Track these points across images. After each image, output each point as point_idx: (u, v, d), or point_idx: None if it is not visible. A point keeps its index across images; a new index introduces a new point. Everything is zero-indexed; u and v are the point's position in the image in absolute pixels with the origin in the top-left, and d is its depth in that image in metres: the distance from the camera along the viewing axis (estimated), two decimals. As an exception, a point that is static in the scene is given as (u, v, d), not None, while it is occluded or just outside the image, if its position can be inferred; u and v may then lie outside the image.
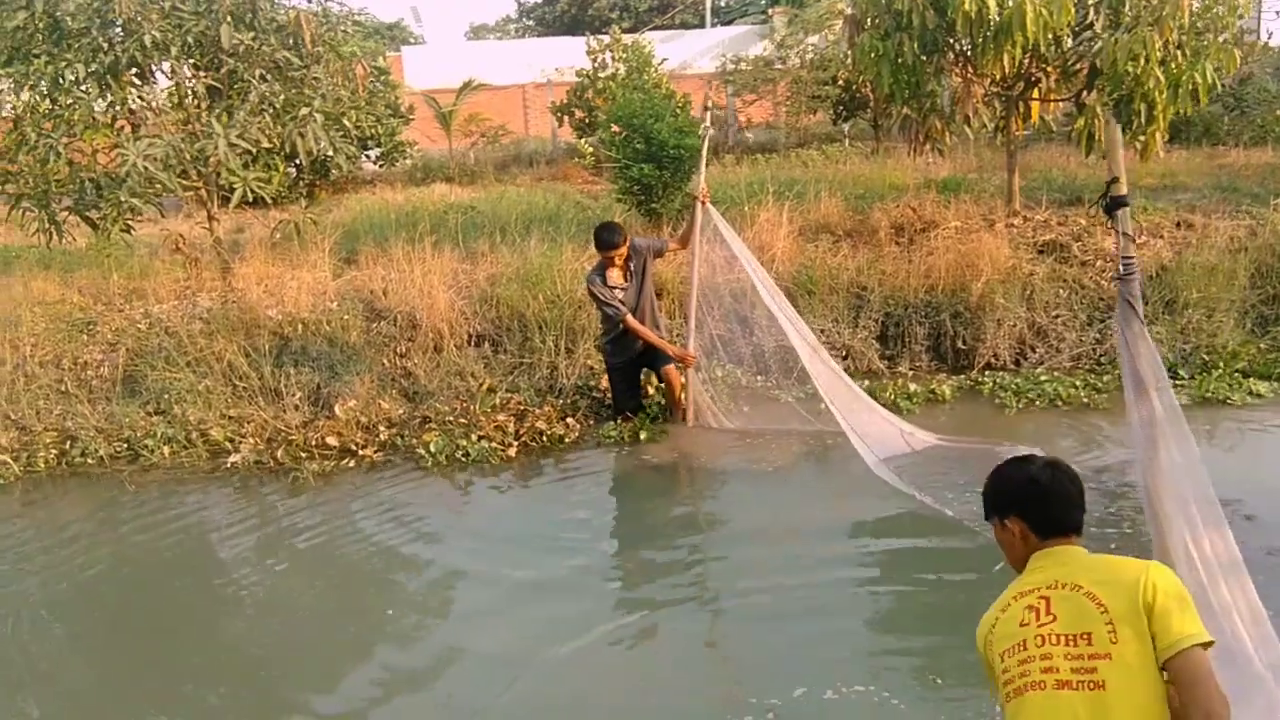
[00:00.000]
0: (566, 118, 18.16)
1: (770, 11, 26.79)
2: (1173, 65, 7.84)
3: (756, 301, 6.97)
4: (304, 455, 6.55)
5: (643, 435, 6.62)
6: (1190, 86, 7.89)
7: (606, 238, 6.53)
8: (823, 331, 7.67)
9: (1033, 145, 13.09)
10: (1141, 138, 8.13)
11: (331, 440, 6.65)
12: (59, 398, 7.55)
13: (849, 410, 6.08)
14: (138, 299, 8.65)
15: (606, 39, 17.76)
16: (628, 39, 18.02)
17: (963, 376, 7.40)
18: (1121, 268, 2.71)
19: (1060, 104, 9.66)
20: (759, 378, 7.42)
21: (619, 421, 6.74)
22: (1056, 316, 7.66)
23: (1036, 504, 2.38)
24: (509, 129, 19.13)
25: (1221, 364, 6.95)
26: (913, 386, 7.03)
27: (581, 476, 6.25)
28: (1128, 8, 7.88)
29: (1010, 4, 7.63)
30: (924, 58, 8.13)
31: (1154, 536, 3.00)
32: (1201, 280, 7.52)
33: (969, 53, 8.02)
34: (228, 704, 3.98)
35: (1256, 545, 4.36)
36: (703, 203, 6.65)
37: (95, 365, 7.76)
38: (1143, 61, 7.69)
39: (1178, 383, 6.86)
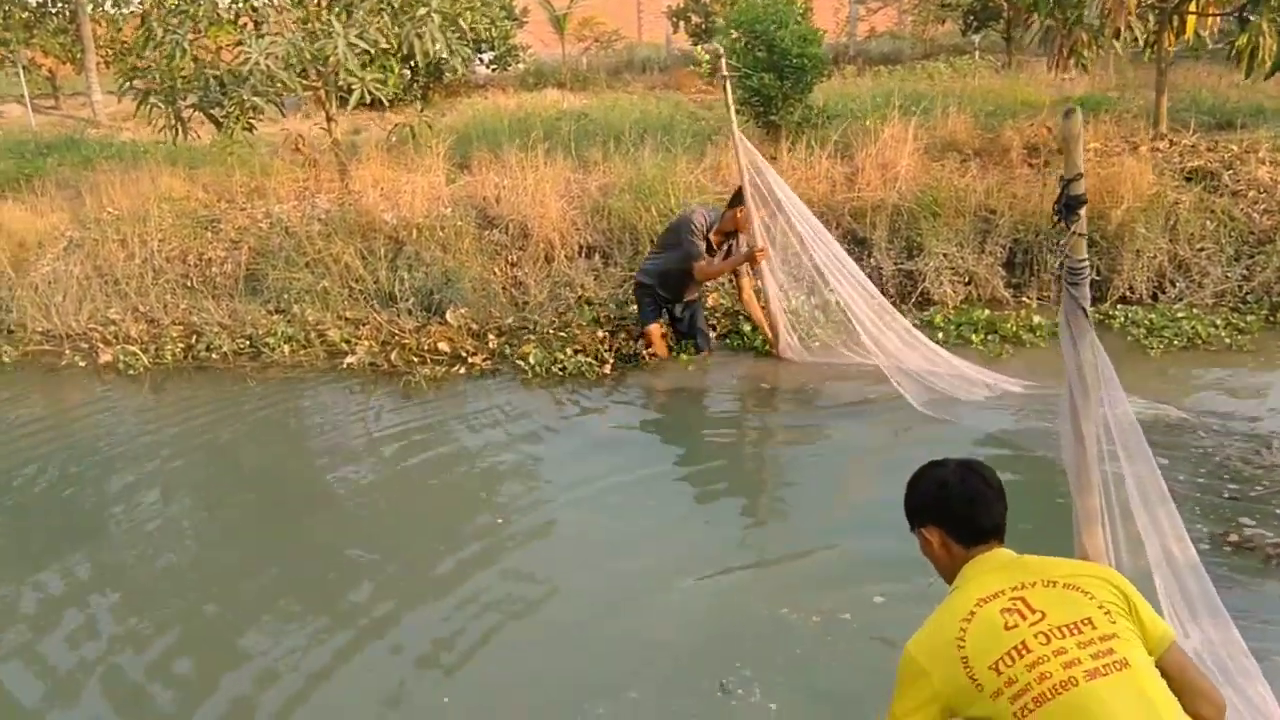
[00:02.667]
0: (682, 23, 17.69)
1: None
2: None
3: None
4: (416, 360, 6.63)
5: (686, 362, 6.48)
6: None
7: (737, 199, 6.35)
8: (945, 256, 7.36)
9: (1181, 63, 12.16)
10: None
11: (443, 346, 6.71)
12: (185, 293, 7.80)
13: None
14: (259, 198, 8.81)
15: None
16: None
17: (1093, 309, 7.00)
18: (1071, 271, 2.48)
19: (1217, 19, 8.91)
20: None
21: (638, 340, 6.56)
22: (1201, 249, 7.18)
23: (951, 510, 2.24)
24: (623, 34, 18.72)
25: None
26: (1037, 319, 6.69)
27: (665, 397, 6.14)
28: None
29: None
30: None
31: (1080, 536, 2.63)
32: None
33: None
34: (342, 584, 4.11)
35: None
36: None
37: (219, 262, 7.98)
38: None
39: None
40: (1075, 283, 2.51)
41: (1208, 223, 7.28)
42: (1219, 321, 6.51)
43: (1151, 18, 7.97)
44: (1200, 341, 6.31)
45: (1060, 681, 1.87)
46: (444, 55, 8.52)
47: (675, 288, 6.51)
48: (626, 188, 8.19)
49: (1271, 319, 6.61)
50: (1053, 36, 7.91)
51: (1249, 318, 6.59)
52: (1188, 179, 7.85)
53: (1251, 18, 7.66)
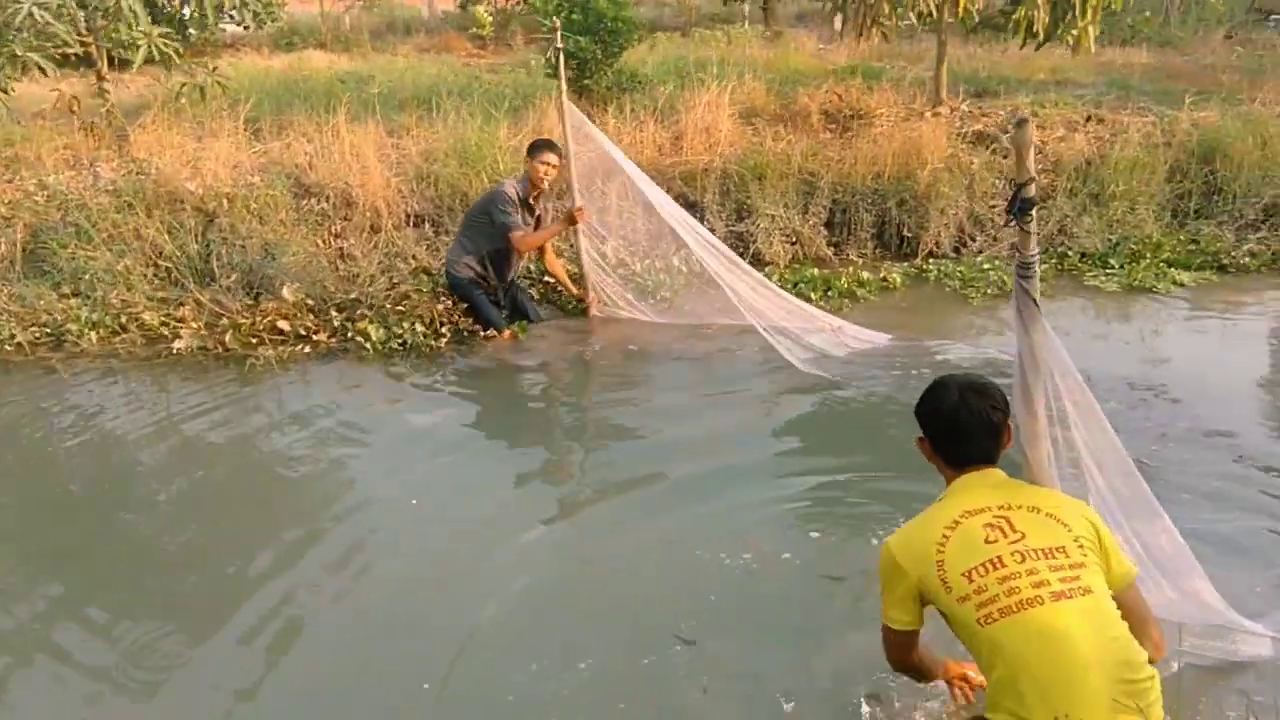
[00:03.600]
0: (448, -16, 17.20)
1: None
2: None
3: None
4: (254, 341, 6.15)
5: (520, 335, 6.34)
6: (1121, -18, 8.12)
7: (557, 148, 6.35)
8: (773, 218, 7.68)
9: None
10: (1074, 31, 8.32)
11: (283, 325, 6.25)
12: (-52, 278, 6.80)
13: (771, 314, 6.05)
14: (23, 168, 7.78)
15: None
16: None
17: (907, 264, 7.58)
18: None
19: (982, -6, 9.77)
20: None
21: (485, 335, 6.28)
22: (994, 206, 7.91)
23: (940, 432, 2.43)
24: (390, -7, 17.95)
25: (1148, 254, 7.35)
26: (865, 274, 7.15)
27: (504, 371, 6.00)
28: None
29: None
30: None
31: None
32: (1125, 174, 7.87)
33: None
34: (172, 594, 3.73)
35: (1182, 426, 4.73)
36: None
37: (-12, 241, 6.99)
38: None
39: (1108, 271, 7.27)
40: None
41: (997, 181, 8.02)
42: (1020, 271, 7.21)
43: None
44: (1005, 290, 6.98)
45: (1027, 598, 2.06)
46: (239, 6, 7.83)
47: (499, 269, 6.41)
48: (450, 153, 7.93)
49: (1059, 267, 7.41)
50: (856, 5, 8.37)
51: (1043, 267, 7.32)
52: (971, 143, 8.60)
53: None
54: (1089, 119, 9.33)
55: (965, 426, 2.38)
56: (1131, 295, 6.88)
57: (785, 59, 12.63)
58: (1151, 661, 2.13)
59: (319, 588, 3.65)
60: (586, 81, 9.02)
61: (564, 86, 6.43)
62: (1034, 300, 2.67)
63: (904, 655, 2.42)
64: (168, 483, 4.60)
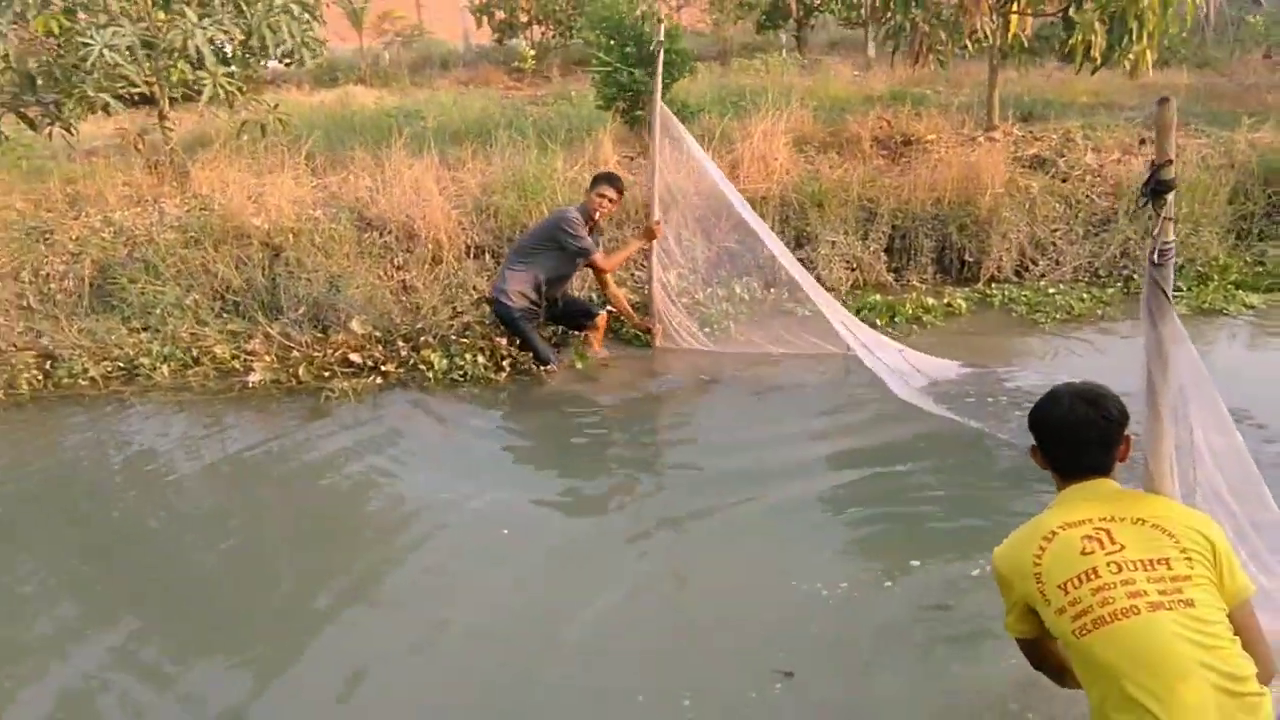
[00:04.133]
0: (485, 18, 17.38)
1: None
2: (1164, -17, 7.99)
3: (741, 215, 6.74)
4: (326, 374, 6.17)
5: (579, 365, 6.32)
6: (1178, 5, 8.08)
7: (617, 182, 6.40)
8: (834, 244, 7.65)
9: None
10: (1131, 55, 8.28)
11: (354, 357, 6.27)
12: (21, 313, 6.88)
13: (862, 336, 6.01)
14: (88, 205, 7.89)
15: (530, -65, 17.01)
16: (552, -65, 17.32)
17: (969, 289, 7.51)
18: (1158, 254, 2.57)
19: (1032, 19, 9.75)
20: (769, 290, 7.32)
21: (547, 369, 6.22)
22: (1055, 230, 7.84)
23: (1053, 443, 2.40)
24: (428, 29, 18.17)
25: (1215, 276, 7.26)
26: (929, 300, 7.10)
27: (568, 402, 5.96)
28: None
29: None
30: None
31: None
32: (1187, 197, 7.79)
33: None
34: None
35: (1273, 450, 4.59)
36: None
37: (59, 277, 7.08)
38: (1139, -22, 7.82)
39: (1176, 293, 7.15)
40: (1162, 264, 2.59)
41: (1057, 205, 7.96)
42: (1084, 295, 7.15)
43: (997, 17, 8.58)
44: (1074, 313, 6.90)
45: (1122, 608, 2.02)
46: (295, 45, 7.95)
47: (552, 293, 6.38)
48: (509, 185, 7.97)
49: (1125, 290, 7.33)
50: (909, 33, 8.38)
51: (1108, 290, 7.28)
52: (1029, 166, 8.55)
53: (1076, 16, 8.43)
54: (1142, 142, 9.24)
55: (1075, 435, 2.35)
56: (1203, 317, 6.81)
57: (825, 86, 12.64)
58: (1262, 680, 2.06)
59: (389, 636, 3.55)
60: (639, 113, 9.05)
61: (659, 94, 6.41)
62: (1165, 292, 2.60)
63: (1039, 659, 2.44)
64: (239, 518, 4.63)
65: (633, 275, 7.38)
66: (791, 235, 7.74)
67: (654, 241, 6.54)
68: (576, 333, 6.72)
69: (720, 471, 4.81)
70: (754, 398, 5.84)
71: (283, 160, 8.23)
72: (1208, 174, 8.07)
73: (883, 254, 7.74)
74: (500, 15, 17.01)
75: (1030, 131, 9.72)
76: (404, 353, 6.40)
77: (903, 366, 5.83)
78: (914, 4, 8.23)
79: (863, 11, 17.00)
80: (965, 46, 8.55)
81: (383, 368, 6.26)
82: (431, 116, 10.96)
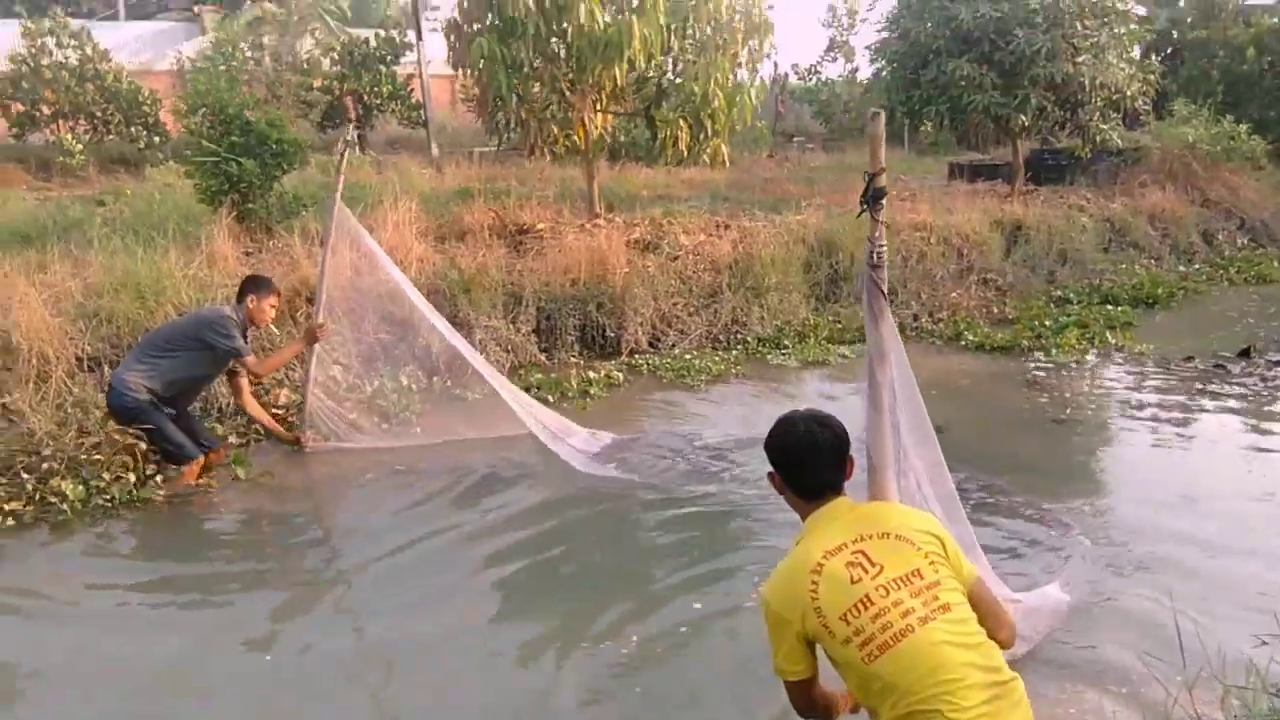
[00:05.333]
0: (-1, 111, 15.21)
1: (197, 9, 25.05)
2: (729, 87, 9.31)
3: (410, 304, 6.82)
4: (-69, 523, 4.99)
5: (240, 473, 5.81)
6: (743, 105, 9.44)
7: (274, 287, 5.98)
8: (486, 328, 7.78)
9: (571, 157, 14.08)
10: (707, 148, 9.48)
11: (-30, 498, 5.15)
12: None
13: (533, 414, 6.26)
14: None
15: (48, 22, 15.29)
16: (74, 23, 15.74)
17: (614, 362, 8.03)
18: (875, 255, 2.85)
19: (612, 118, 10.77)
20: (433, 379, 7.27)
21: (190, 469, 5.58)
22: (675, 303, 8.66)
23: (792, 466, 2.51)
24: (-88, 123, 15.40)
25: (811, 334, 8.51)
26: (590, 374, 7.49)
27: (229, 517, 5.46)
28: (697, 35, 9.17)
29: (616, 21, 8.45)
30: (536, 65, 8.60)
31: (871, 485, 2.99)
32: (775, 269, 9.05)
33: (578, 64, 8.65)
34: None
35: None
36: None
37: None
38: (712, 82, 9.04)
39: (782, 350, 8.31)
40: (876, 265, 2.88)
41: (673, 281, 8.81)
42: (716, 358, 8.01)
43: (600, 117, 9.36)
44: (716, 375, 7.69)
45: (900, 630, 2.21)
46: None
47: (186, 396, 5.81)
48: (120, 287, 7.08)
49: (745, 351, 8.32)
50: (528, 130, 8.85)
51: (732, 352, 8.23)
52: (639, 250, 9.37)
53: (657, 116, 9.50)
54: (721, 225, 10.54)
55: (814, 454, 2.48)
56: (809, 367, 7.95)
57: (408, 181, 12.80)
58: (1005, 646, 2.38)
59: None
60: (251, 205, 8.51)
61: (340, 188, 6.10)
62: (883, 292, 2.90)
63: (808, 702, 2.46)
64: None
65: (289, 375, 6.89)
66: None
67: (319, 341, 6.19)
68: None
69: (455, 574, 4.66)
70: (451, 484, 5.76)
71: None
72: (783, 249, 9.42)
73: (533, 335, 8.01)
74: (18, 107, 14.99)
75: (624, 219, 10.65)
76: (30, 486, 5.38)
77: (590, 446, 6.10)
78: (517, 101, 8.73)
79: (425, 112, 17.53)
80: (570, 141, 9.20)
81: (5, 507, 5.21)
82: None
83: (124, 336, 6.80)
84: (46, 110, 15.22)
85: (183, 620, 4.36)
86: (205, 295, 7.17)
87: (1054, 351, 8.22)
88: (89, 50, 15.23)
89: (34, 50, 14.85)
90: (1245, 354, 8.36)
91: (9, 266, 7.14)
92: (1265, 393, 7.24)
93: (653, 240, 9.61)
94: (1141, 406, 7.00)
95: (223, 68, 15.24)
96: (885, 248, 2.91)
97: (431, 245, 8.94)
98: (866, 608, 2.23)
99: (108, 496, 5.33)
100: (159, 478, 5.52)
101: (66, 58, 15.04)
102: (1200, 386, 7.39)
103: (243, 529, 5.37)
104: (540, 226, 9.90)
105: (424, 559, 4.80)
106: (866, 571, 2.28)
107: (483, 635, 4.06)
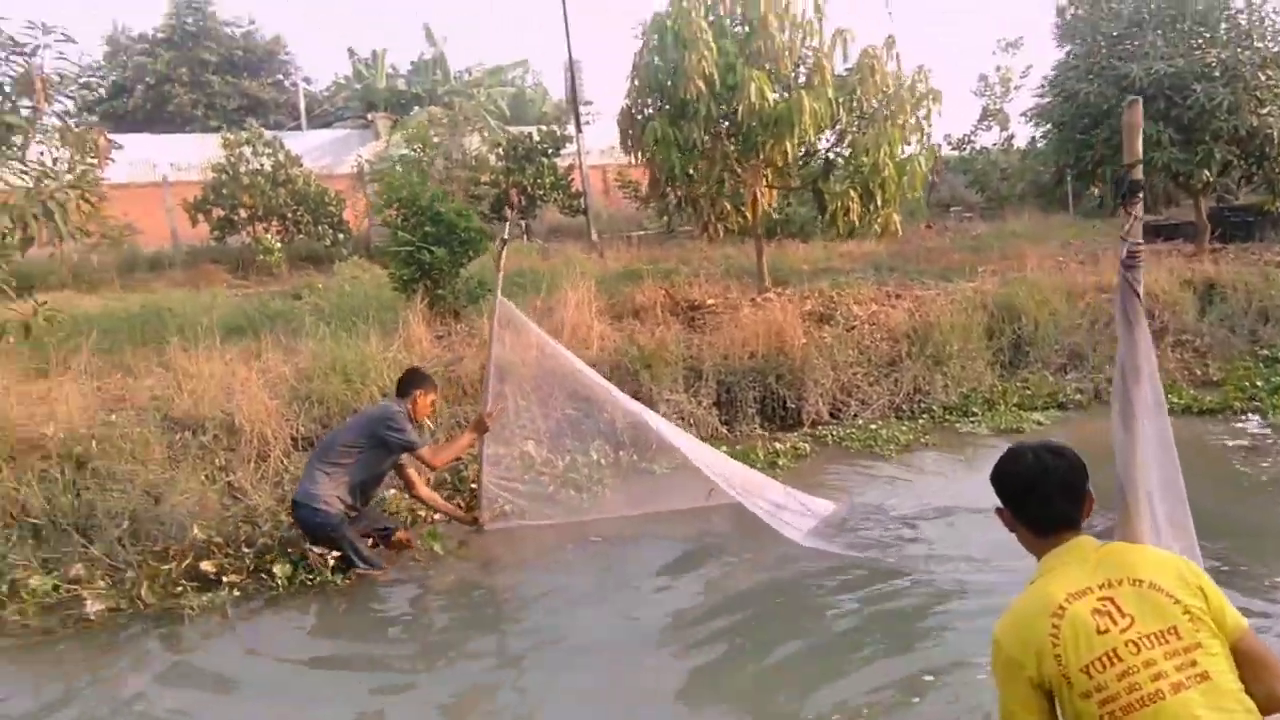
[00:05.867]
0: (202, 215, 16.57)
1: (370, 116, 26.89)
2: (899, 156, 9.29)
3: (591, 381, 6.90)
4: (178, 590, 5.34)
5: (438, 548, 5.93)
6: (913, 174, 9.39)
7: (431, 382, 6.15)
8: (669, 401, 7.87)
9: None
10: (879, 218, 9.43)
11: (207, 567, 5.49)
12: None
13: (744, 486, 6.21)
14: None
15: (244, 133, 16.67)
16: (267, 133, 17.10)
17: (796, 434, 7.97)
18: (1128, 254, 2.68)
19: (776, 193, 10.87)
20: (618, 453, 7.35)
21: (374, 568, 5.68)
22: (854, 373, 8.57)
23: (1021, 497, 2.37)
24: (137, 227, 16.91)
25: (1001, 401, 8.25)
26: (777, 445, 7.47)
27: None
28: (864, 107, 9.22)
29: (785, 98, 8.60)
30: (709, 143, 8.81)
31: (1122, 517, 2.73)
32: (958, 335, 8.86)
33: (746, 141, 8.82)
34: None
35: None
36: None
37: None
38: (881, 153, 9.04)
39: (970, 418, 8.07)
40: (1133, 265, 2.67)
41: (851, 351, 8.73)
42: (903, 428, 7.84)
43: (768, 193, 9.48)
44: (904, 444, 7.53)
45: (1148, 694, 2.04)
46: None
47: (368, 495, 5.89)
48: (328, 370, 7.52)
49: (931, 419, 8.12)
50: (701, 209, 9.05)
51: (919, 421, 8.04)
52: (813, 321, 9.35)
53: (824, 188, 9.53)
54: (892, 295, 10.43)
55: (1045, 483, 2.34)
56: (1002, 435, 7.68)
57: (574, 265, 13.21)
58: (1272, 712, 2.14)
59: None
60: (441, 291, 8.95)
61: (499, 285, 6.37)
62: (1137, 294, 2.67)
63: None
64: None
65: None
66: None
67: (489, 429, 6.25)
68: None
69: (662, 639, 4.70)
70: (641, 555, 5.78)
71: (55, 360, 7.28)
72: (962, 316, 9.22)
73: (714, 408, 8.05)
74: (219, 212, 16.29)
75: (794, 292, 10.67)
76: (249, 560, 5.70)
77: (792, 505, 6.03)
78: (688, 180, 8.95)
79: (584, 200, 18.17)
80: (742, 217, 9.33)
81: (225, 579, 5.50)
82: (206, 311, 10.16)
83: (333, 416, 7.20)
84: (244, 213, 16.49)
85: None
86: (395, 372, 7.53)
87: (1271, 414, 7.70)
88: (281, 157, 16.48)
89: (233, 159, 16.17)
90: None
91: (230, 355, 7.67)
92: None
93: (825, 312, 9.59)
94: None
95: (413, 162, 16.18)
96: (1142, 247, 2.68)
97: (609, 324, 9.18)
98: (1113, 663, 2.07)
99: (312, 575, 5.54)
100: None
101: (262, 165, 16.29)
102: None
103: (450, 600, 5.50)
104: (711, 302, 10.02)
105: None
106: (1115, 623, 2.11)
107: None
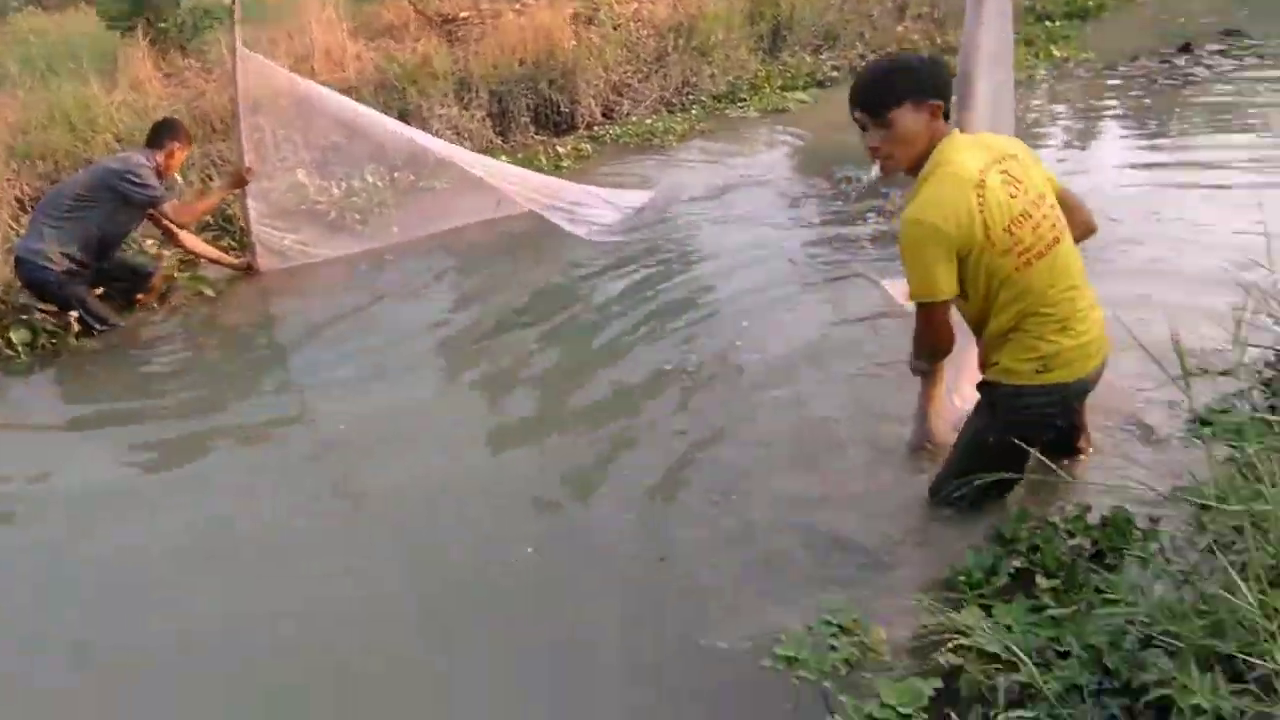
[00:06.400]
0: None
1: None
2: None
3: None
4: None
5: (207, 290, 5.50)
6: None
7: (183, 131, 5.43)
8: (440, 117, 7.53)
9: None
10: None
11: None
12: None
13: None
14: None
15: None
16: None
17: (573, 136, 7.88)
18: None
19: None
20: (394, 174, 7.01)
21: (106, 323, 5.12)
22: (625, 72, 8.44)
23: (943, 87, 2.47)
24: None
25: (765, 85, 8.42)
26: (559, 149, 7.36)
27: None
28: None
29: None
30: None
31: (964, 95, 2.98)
32: (722, 24, 8.84)
33: None
34: None
35: None
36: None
37: None
38: None
39: (740, 104, 8.25)
40: None
41: (620, 51, 8.55)
42: (677, 120, 7.93)
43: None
44: (680, 133, 7.64)
45: (1049, 241, 2.40)
46: None
47: (108, 251, 5.26)
48: (47, 121, 6.67)
49: (704, 110, 8.23)
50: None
51: (692, 113, 8.14)
52: (583, 23, 9.01)
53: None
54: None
55: (935, 67, 2.55)
56: (769, 115, 7.93)
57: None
58: (1090, 228, 2.65)
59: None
60: (164, 24, 7.96)
61: (237, 21, 5.60)
62: None
63: (937, 329, 2.51)
64: None
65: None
66: (395, 117, 7.44)
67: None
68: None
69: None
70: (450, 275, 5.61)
71: None
72: (725, 4, 9.18)
73: (487, 119, 7.78)
74: None
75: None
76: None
77: (589, 201, 6.04)
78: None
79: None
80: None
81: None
82: None
83: (64, 171, 6.45)
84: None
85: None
86: (145, 122, 6.78)
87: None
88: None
89: None
90: (1186, 49, 8.53)
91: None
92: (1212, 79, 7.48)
93: (589, 14, 9.25)
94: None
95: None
96: None
97: (364, 44, 8.53)
98: (1026, 220, 2.37)
99: (53, 340, 4.98)
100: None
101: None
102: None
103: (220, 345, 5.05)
104: (465, 15, 9.46)
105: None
106: (1017, 189, 2.39)
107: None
